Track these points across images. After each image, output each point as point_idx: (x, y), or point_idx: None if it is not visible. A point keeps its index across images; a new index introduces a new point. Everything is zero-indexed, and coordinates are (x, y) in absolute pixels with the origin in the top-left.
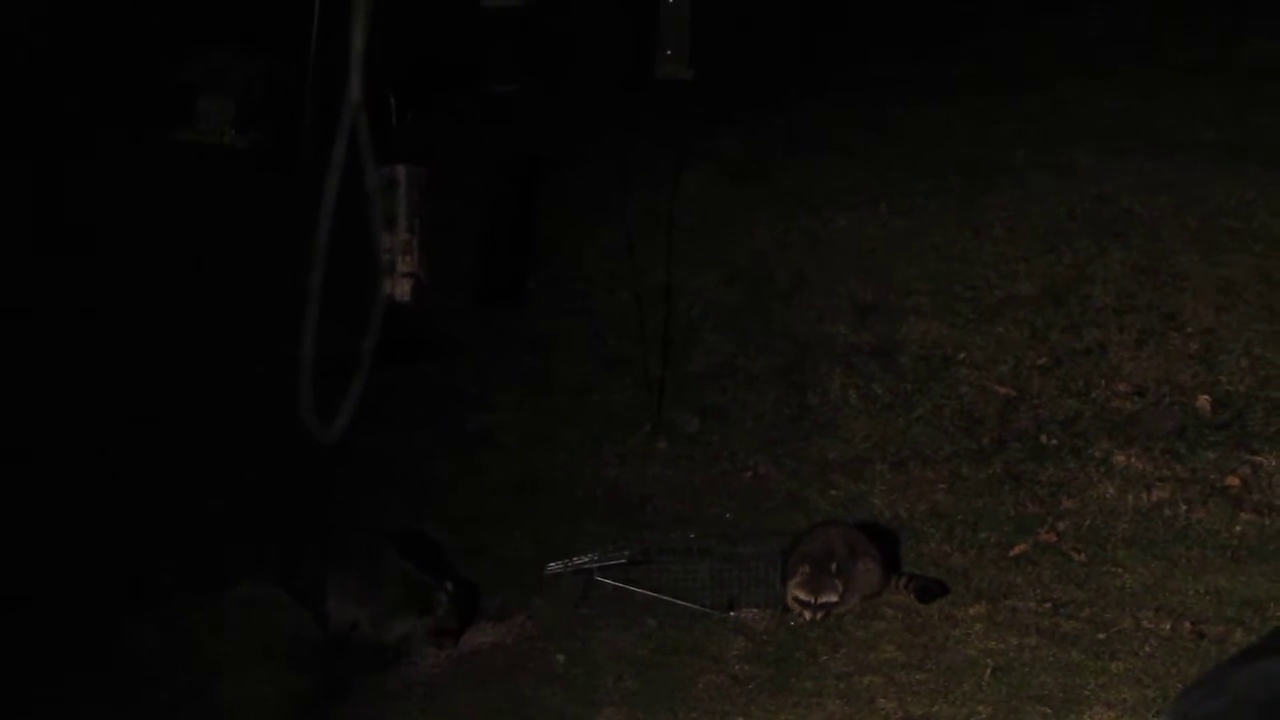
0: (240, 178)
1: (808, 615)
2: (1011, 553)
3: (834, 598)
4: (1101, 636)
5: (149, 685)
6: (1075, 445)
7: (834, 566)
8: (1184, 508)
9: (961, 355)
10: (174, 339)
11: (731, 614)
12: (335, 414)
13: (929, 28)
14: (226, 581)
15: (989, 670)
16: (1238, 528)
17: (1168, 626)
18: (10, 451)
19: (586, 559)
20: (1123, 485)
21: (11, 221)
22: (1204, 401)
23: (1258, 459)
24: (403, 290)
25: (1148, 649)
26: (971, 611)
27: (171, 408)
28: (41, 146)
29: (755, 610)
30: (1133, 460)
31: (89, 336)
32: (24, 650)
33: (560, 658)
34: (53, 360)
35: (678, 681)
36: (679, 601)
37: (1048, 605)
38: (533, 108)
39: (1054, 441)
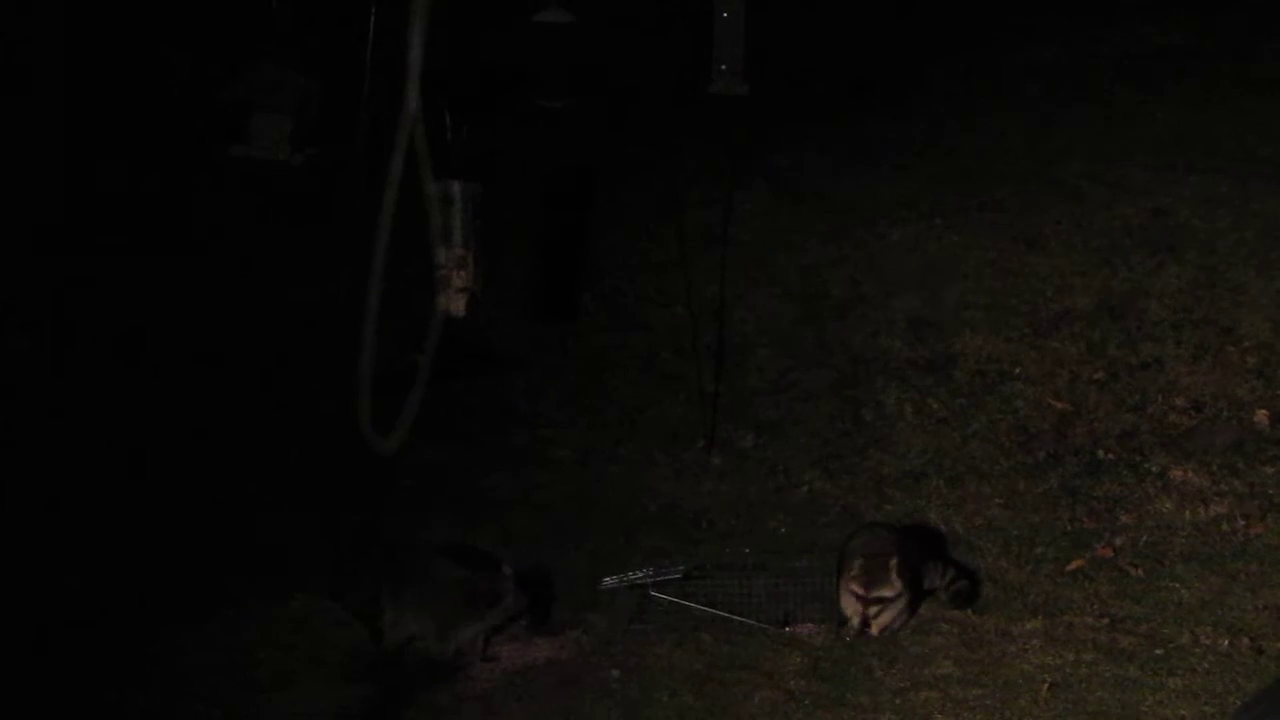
0: (295, 194)
1: (860, 614)
2: (1068, 568)
3: (889, 593)
4: (1159, 652)
5: (201, 701)
6: (1132, 460)
7: (892, 563)
8: (1242, 523)
9: (1017, 370)
10: (228, 353)
11: (787, 629)
12: (392, 428)
13: (981, 41)
14: (280, 597)
15: (1046, 686)
16: None
17: (1226, 642)
18: (65, 463)
19: (641, 574)
20: (1180, 500)
21: (67, 235)
22: (1262, 416)
23: None
24: (458, 306)
25: (1205, 665)
26: (1028, 627)
27: (225, 423)
28: (99, 161)
29: (810, 625)
30: (1190, 475)
31: (143, 350)
32: (78, 666)
33: (615, 673)
34: (106, 375)
35: (733, 697)
36: (734, 617)
37: (1105, 621)
38: (586, 123)
39: (1110, 456)
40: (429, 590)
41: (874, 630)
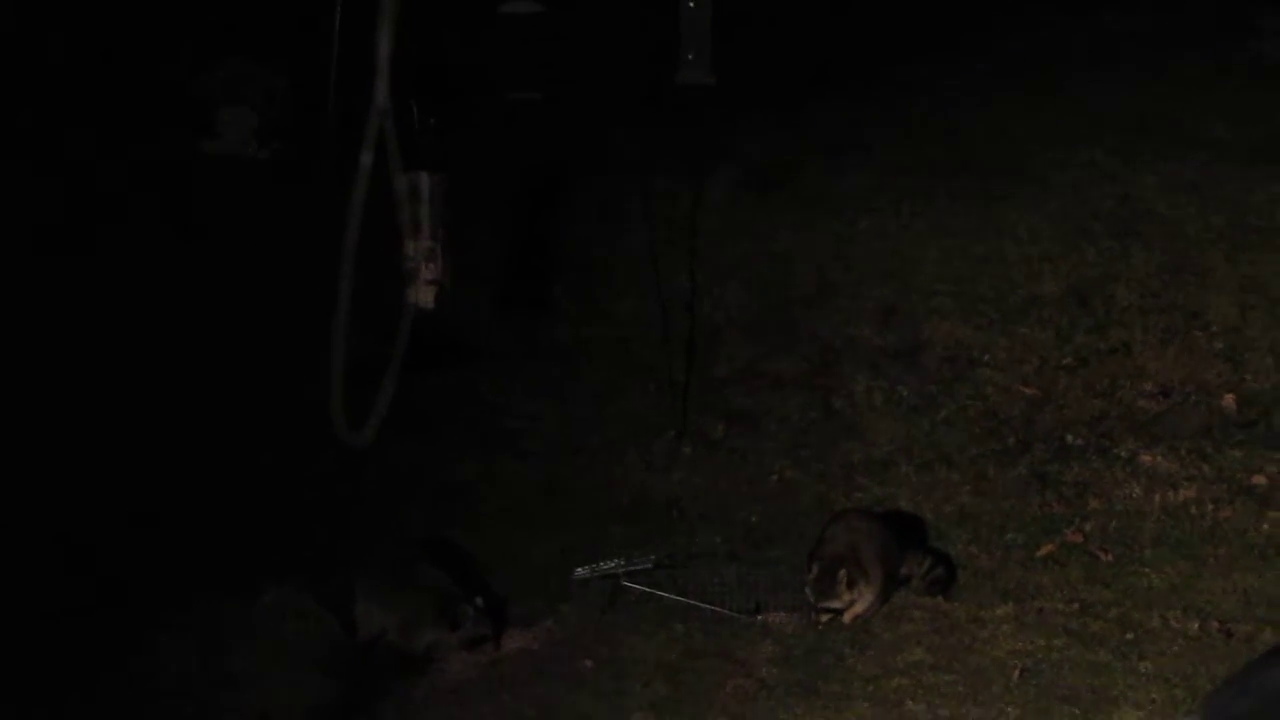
0: (262, 188)
1: (814, 618)
2: (1038, 553)
3: (837, 604)
4: (1129, 637)
5: (175, 695)
6: (1101, 445)
7: (841, 573)
8: (1211, 507)
9: (986, 356)
10: (198, 345)
11: (758, 618)
12: (364, 419)
13: (947, 29)
14: (254, 589)
15: (1017, 671)
16: (1265, 526)
17: (1195, 626)
18: (36, 457)
19: (613, 564)
20: (1149, 485)
21: (34, 229)
22: (1229, 400)
23: None
24: (426, 298)
25: (1176, 649)
26: (999, 613)
27: (194, 415)
28: (65, 155)
29: (782, 614)
30: (1159, 460)
31: (112, 344)
32: (52, 659)
33: (588, 663)
34: (75, 370)
35: (705, 686)
36: (706, 606)
37: (1075, 606)
38: (553, 114)
39: (1080, 442)
40: (399, 589)
41: (845, 619)
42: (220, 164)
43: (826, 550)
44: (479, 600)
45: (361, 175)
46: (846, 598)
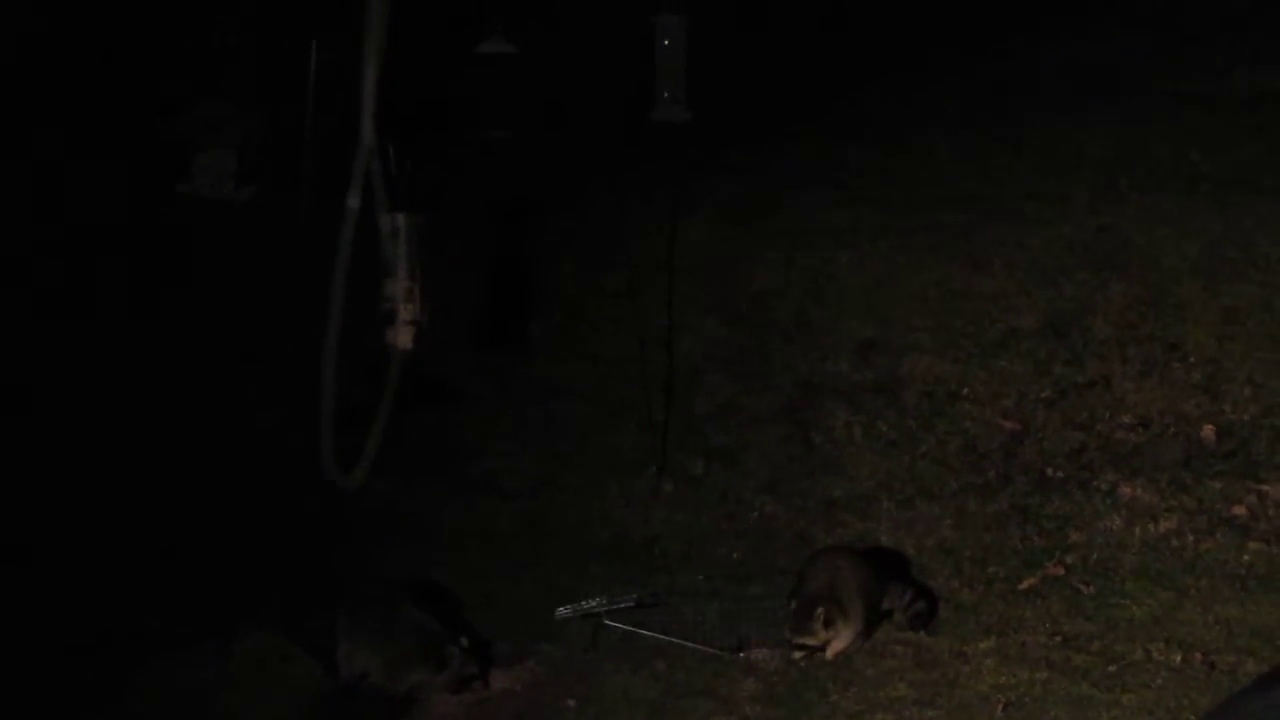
0: (239, 231)
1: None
2: (1020, 587)
3: (813, 642)
4: (1112, 669)
5: None
6: (1081, 478)
7: (818, 612)
8: (1191, 538)
9: (965, 390)
10: (178, 388)
11: (741, 655)
12: (346, 461)
13: (919, 63)
14: (234, 632)
15: (1000, 706)
16: (1246, 557)
17: (1178, 658)
18: (21, 503)
19: (594, 603)
20: (1129, 517)
21: (12, 278)
22: (1208, 431)
23: (1264, 488)
24: (405, 339)
25: (1159, 681)
26: (982, 647)
27: (173, 458)
28: (40, 198)
29: (765, 650)
30: (1139, 492)
31: (91, 388)
32: (32, 704)
33: (571, 703)
34: (55, 415)
35: None
36: (688, 644)
37: (1057, 639)
38: (531, 153)
39: (1060, 474)
40: (383, 631)
41: (828, 655)
42: (197, 206)
43: (806, 588)
44: (464, 640)
45: (349, 218)
46: (823, 636)
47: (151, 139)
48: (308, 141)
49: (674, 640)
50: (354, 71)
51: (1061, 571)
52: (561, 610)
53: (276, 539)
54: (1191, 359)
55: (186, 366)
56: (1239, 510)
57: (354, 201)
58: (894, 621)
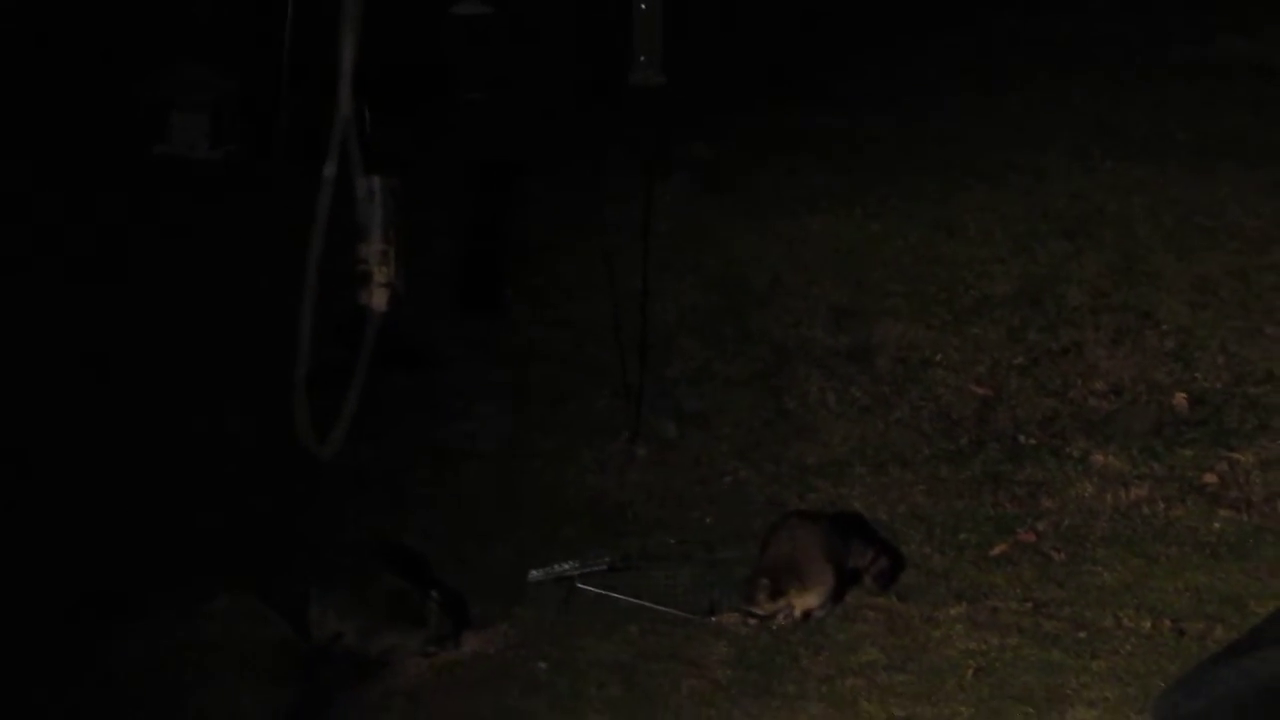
0: (213, 192)
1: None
2: (991, 553)
3: (759, 612)
4: (1082, 635)
5: (125, 701)
6: (1053, 445)
7: (763, 583)
8: (1162, 506)
9: (938, 357)
10: (147, 350)
11: (713, 619)
12: (330, 432)
13: (899, 30)
14: (206, 595)
15: (971, 671)
16: (1216, 525)
17: (1148, 624)
18: None
19: (567, 567)
20: (1101, 484)
21: None
22: (1180, 399)
23: (1235, 456)
24: (379, 301)
25: (1128, 647)
26: (952, 612)
27: (144, 419)
28: (15, 161)
29: (736, 615)
30: (1110, 459)
31: (63, 349)
32: (5, 667)
33: (543, 666)
34: (28, 372)
35: (660, 687)
36: (660, 607)
37: (1028, 605)
38: (505, 116)
39: (1032, 441)
40: (356, 593)
41: (796, 614)
42: (172, 167)
43: (764, 558)
44: (436, 595)
45: (326, 184)
46: (769, 607)
47: (128, 100)
48: (282, 104)
49: (646, 604)
50: (330, 34)
51: (1033, 538)
52: (533, 574)
53: (247, 502)
54: (1164, 327)
55: (154, 329)
56: (1210, 478)
57: (330, 168)
58: (864, 586)
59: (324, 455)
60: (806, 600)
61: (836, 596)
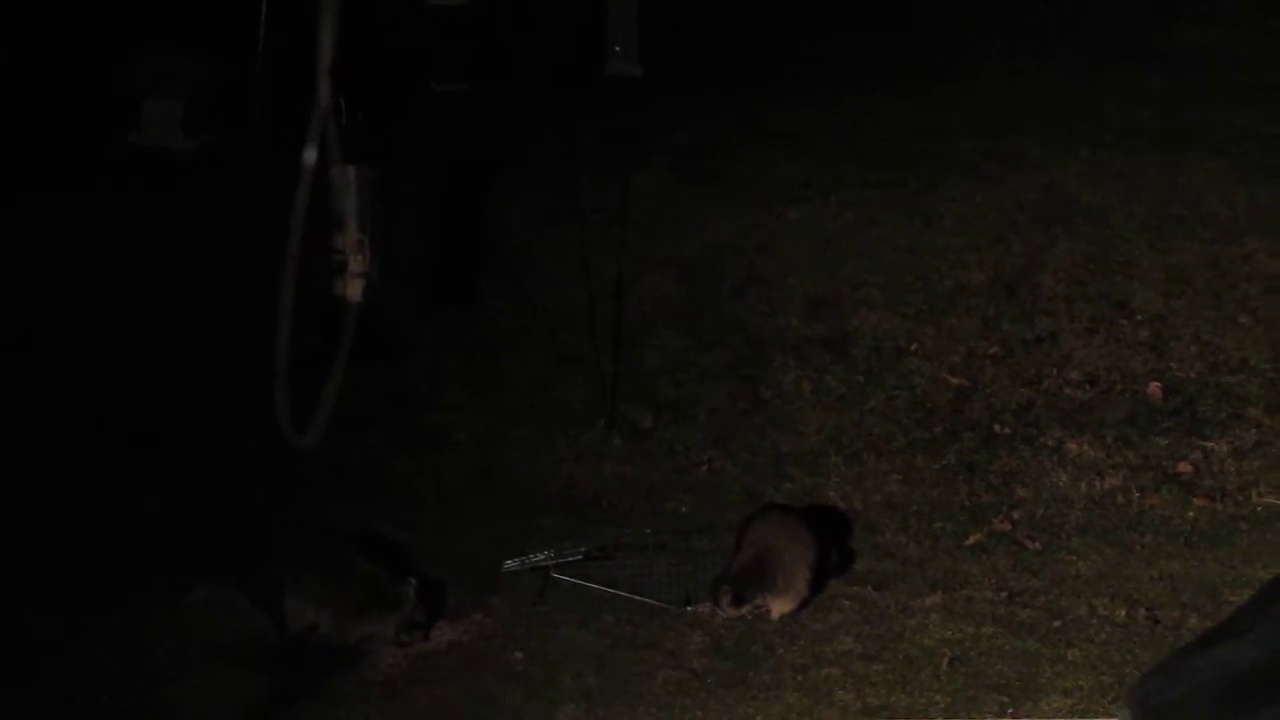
0: (187, 181)
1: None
2: (966, 542)
3: (729, 613)
4: (1057, 624)
5: (101, 691)
6: (1028, 434)
7: (723, 590)
8: (1137, 494)
9: (913, 346)
10: (122, 340)
11: (688, 609)
12: (310, 422)
13: (873, 18)
14: (181, 585)
15: (946, 660)
16: (1190, 514)
17: (1123, 613)
18: None
19: (543, 556)
20: (1075, 473)
21: None
22: (1155, 388)
23: (1209, 445)
24: (354, 290)
25: (1103, 636)
26: (928, 602)
27: (118, 410)
28: None
29: (712, 605)
30: (1085, 448)
31: (35, 338)
32: None
33: (518, 655)
34: (1, 365)
35: (636, 677)
36: (636, 597)
37: (1003, 594)
38: (481, 107)
39: (1007, 430)
40: (331, 582)
41: (773, 616)
42: (146, 155)
43: (735, 561)
44: (413, 580)
45: (305, 176)
46: (732, 612)
47: (102, 88)
48: (257, 93)
49: (622, 594)
50: (308, 23)
51: (1008, 527)
52: (509, 563)
53: (223, 492)
54: (1139, 316)
55: (128, 321)
56: (1184, 467)
57: (309, 156)
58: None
59: (305, 445)
60: (778, 606)
61: (816, 589)
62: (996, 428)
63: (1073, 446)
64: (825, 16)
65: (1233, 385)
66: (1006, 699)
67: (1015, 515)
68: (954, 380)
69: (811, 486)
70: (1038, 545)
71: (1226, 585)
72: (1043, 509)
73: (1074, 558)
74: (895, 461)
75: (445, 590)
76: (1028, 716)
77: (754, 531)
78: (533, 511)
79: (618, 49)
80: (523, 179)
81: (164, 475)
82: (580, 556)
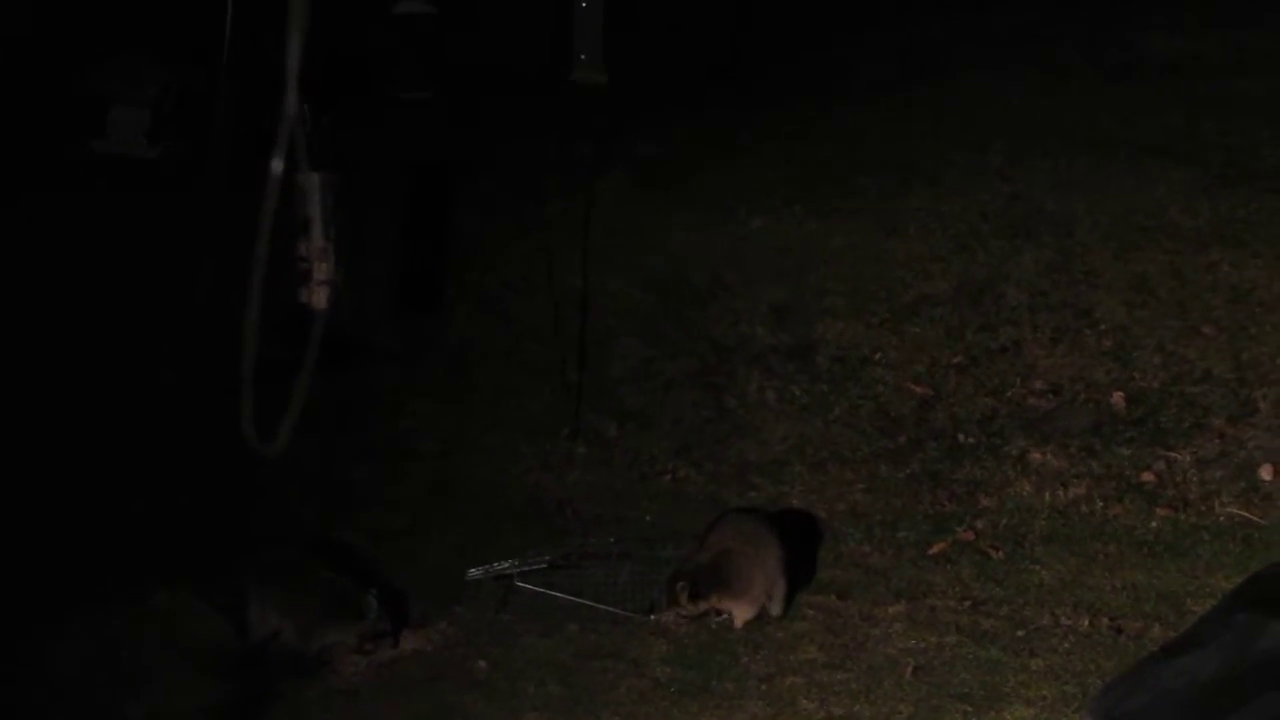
0: (152, 189)
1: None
2: (930, 551)
3: (684, 612)
4: (1020, 634)
5: (65, 698)
6: (992, 444)
7: (680, 585)
8: (1100, 504)
9: (878, 355)
10: (85, 350)
11: (652, 617)
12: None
13: (837, 28)
14: (145, 592)
15: (910, 669)
16: (1153, 523)
17: (1086, 623)
18: None
19: (507, 565)
20: (1039, 483)
21: None
22: (1118, 398)
23: (1172, 454)
24: (319, 298)
25: (1066, 645)
26: (891, 611)
27: (82, 418)
28: None
29: (668, 602)
30: (1049, 458)
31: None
32: None
33: (482, 664)
34: None
35: (599, 686)
36: (600, 606)
37: (967, 603)
38: (447, 114)
39: (971, 440)
40: (295, 590)
41: (736, 624)
42: (112, 163)
43: (693, 559)
44: (375, 591)
45: (272, 183)
46: (691, 608)
47: (66, 94)
48: (220, 100)
49: (586, 602)
50: (274, 30)
51: (971, 536)
52: (473, 572)
53: (186, 498)
54: (1102, 326)
55: (94, 325)
56: (1147, 477)
57: (277, 165)
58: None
59: (270, 453)
60: (739, 612)
61: (790, 589)
62: (960, 437)
63: (1036, 456)
64: (789, 27)
65: (1196, 395)
66: (970, 708)
67: (979, 524)
68: (918, 389)
69: (775, 495)
70: (1001, 554)
71: (1189, 595)
72: (1006, 518)
73: (1037, 567)
74: (859, 470)
75: (409, 599)
76: None
77: (715, 534)
78: (497, 519)
79: (583, 57)
80: (488, 186)
81: (125, 482)
82: (544, 565)
